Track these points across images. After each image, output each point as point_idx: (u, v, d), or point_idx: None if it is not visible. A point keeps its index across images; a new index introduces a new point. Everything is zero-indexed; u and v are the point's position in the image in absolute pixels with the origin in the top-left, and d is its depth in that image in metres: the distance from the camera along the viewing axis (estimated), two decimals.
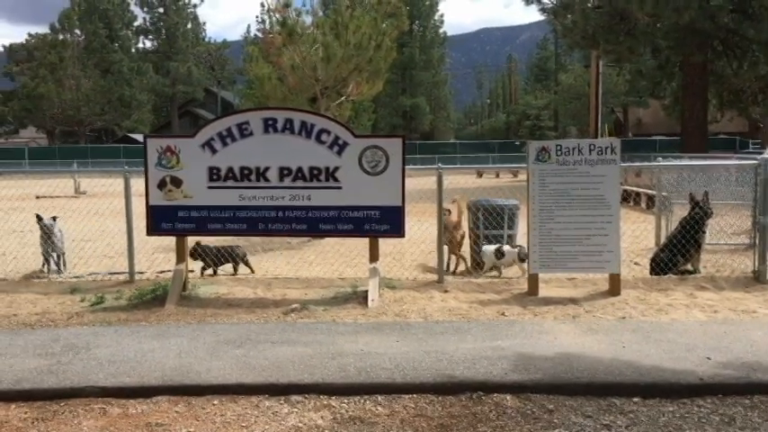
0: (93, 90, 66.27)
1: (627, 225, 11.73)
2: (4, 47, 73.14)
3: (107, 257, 9.95)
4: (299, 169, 6.97)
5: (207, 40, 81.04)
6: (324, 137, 6.95)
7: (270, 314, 6.51)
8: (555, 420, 4.11)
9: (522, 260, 8.01)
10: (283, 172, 6.98)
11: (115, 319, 6.44)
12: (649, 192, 15.96)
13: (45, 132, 72.41)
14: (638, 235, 10.75)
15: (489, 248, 8.36)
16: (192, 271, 8.31)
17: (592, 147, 6.85)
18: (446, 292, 7.17)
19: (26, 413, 4.30)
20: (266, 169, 6.99)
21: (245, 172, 7.00)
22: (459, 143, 65.21)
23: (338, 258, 9.54)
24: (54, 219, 9.10)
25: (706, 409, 4.23)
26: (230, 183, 7.02)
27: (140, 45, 78.04)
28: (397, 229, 7.02)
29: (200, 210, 7.05)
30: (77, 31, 70.90)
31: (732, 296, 6.80)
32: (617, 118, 59.65)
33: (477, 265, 8.71)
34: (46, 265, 9.08)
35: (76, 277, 8.36)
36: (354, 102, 42.67)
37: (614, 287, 6.89)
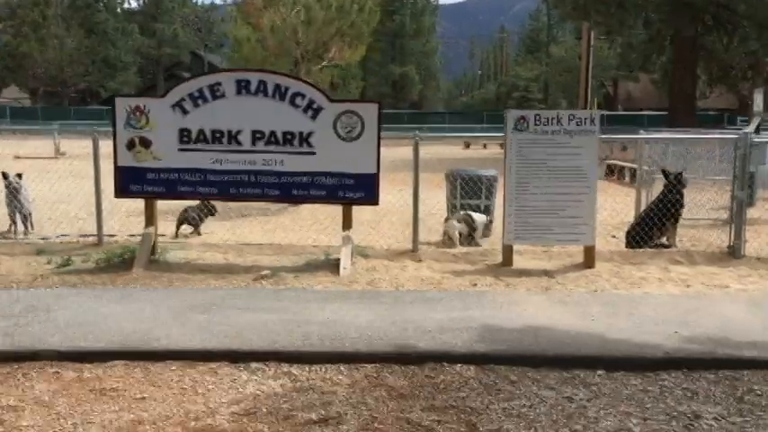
0: (76, 50, 65.09)
1: (608, 199, 11.70)
2: None
3: (79, 219, 9.75)
4: (272, 133, 6.81)
5: (194, 2, 79.67)
6: (298, 100, 6.78)
7: (239, 280, 6.41)
8: (516, 392, 4.06)
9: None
10: (256, 135, 6.82)
11: (80, 282, 6.31)
12: (634, 166, 15.92)
13: (28, 92, 71.22)
14: (619, 209, 10.70)
15: (453, 220, 8.26)
16: (163, 235, 8.19)
17: (571, 117, 6.74)
18: (420, 261, 7.09)
19: None
20: (238, 132, 6.82)
21: (217, 135, 6.84)
22: (449, 113, 64.83)
23: (314, 225, 9.43)
24: (19, 176, 8.91)
25: (670, 383, 4.20)
26: (201, 145, 6.85)
27: (126, 5, 76.63)
28: (371, 197, 6.91)
29: (169, 172, 6.89)
30: None
31: (706, 271, 6.76)
32: (607, 92, 59.43)
33: (445, 240, 8.62)
34: (12, 226, 8.91)
35: (44, 239, 8.21)
36: (342, 69, 42.27)
37: (588, 260, 6.83)
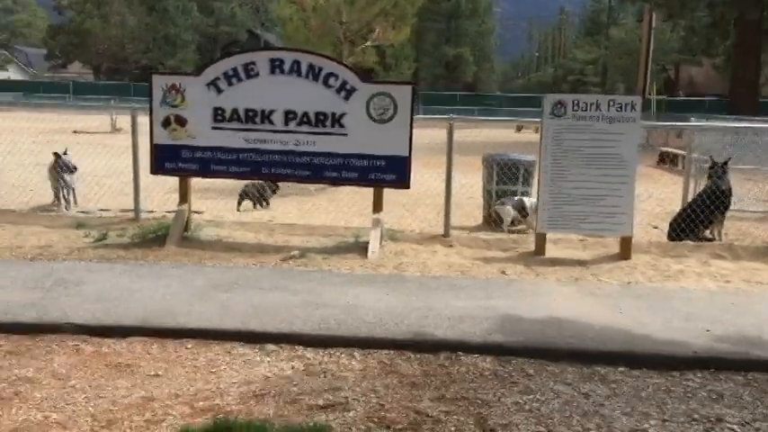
0: (138, 27, 66.40)
1: (657, 187, 11.35)
2: None
3: (123, 195, 9.95)
4: (305, 114, 6.77)
5: None
6: (331, 81, 6.72)
7: (268, 260, 6.43)
8: (532, 385, 3.95)
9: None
10: (288, 116, 6.79)
11: (114, 256, 6.43)
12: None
13: (91, 68, 73.11)
14: (665, 198, 10.36)
15: (507, 205, 8.12)
16: (201, 212, 8.28)
17: (611, 103, 6.50)
18: (450, 246, 6.99)
19: (1, 346, 4.31)
20: (271, 112, 6.81)
21: (250, 114, 6.84)
22: (503, 96, 63.88)
23: (351, 207, 9.40)
24: (65, 153, 9.14)
25: (695, 384, 4.03)
26: (235, 124, 6.86)
27: None
28: (402, 180, 6.82)
29: (203, 150, 6.94)
30: None
31: (749, 266, 6.47)
32: (668, 76, 57.56)
33: (494, 221, 8.49)
34: (56, 200, 9.16)
35: (85, 213, 8.40)
36: (395, 49, 41.85)
37: (625, 251, 6.61)
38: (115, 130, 27.68)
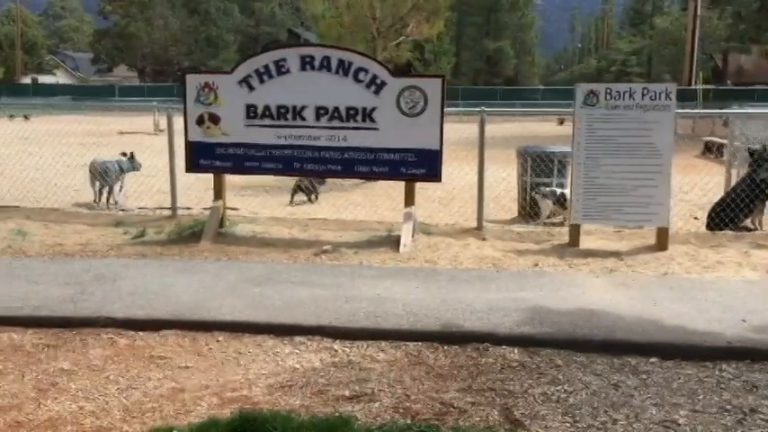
0: (180, 30, 67.58)
1: (700, 177, 11.06)
2: None
3: (162, 193, 10.16)
4: (336, 109, 6.81)
5: None
6: (361, 75, 6.74)
7: (300, 254, 6.48)
8: (560, 377, 3.91)
9: None
10: (320, 111, 6.84)
11: (150, 253, 6.57)
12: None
13: (136, 71, 74.67)
14: (710, 188, 10.09)
15: (548, 198, 8.03)
16: (236, 209, 8.40)
17: (645, 91, 6.37)
18: (483, 239, 6.95)
19: (40, 339, 4.45)
20: (303, 108, 6.86)
21: (282, 110, 6.90)
22: (544, 89, 63.04)
23: (384, 202, 9.41)
24: (131, 156, 9.48)
25: (728, 374, 3.94)
26: (267, 121, 6.94)
27: None
28: (433, 173, 6.81)
29: (236, 147, 7.03)
30: None
31: None
32: (715, 65, 56.11)
33: (528, 214, 8.41)
34: (98, 198, 9.46)
35: (124, 210, 8.60)
36: (434, 44, 41.80)
37: (661, 241, 6.48)
38: (158, 130, 28.21)
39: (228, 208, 7.71)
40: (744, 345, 4.18)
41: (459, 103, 45.42)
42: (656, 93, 6.34)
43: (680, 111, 7.10)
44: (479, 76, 66.06)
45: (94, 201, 9.55)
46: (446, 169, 9.13)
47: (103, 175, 9.40)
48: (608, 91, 6.43)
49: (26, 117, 34.13)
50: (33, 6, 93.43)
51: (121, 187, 9.64)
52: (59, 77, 75.00)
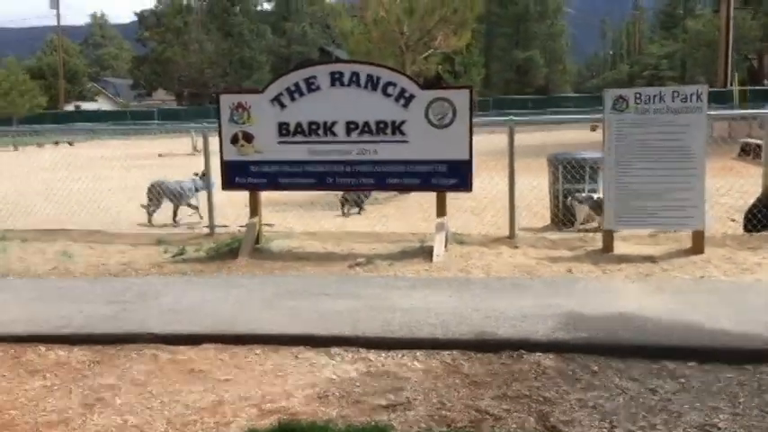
0: (215, 52, 68.86)
1: (737, 179, 10.90)
2: (136, 14, 77.11)
3: (202, 211, 10.37)
4: (366, 123, 6.91)
5: None
6: (390, 89, 6.84)
7: (335, 267, 6.57)
8: (596, 382, 3.90)
9: None
10: (350, 126, 6.95)
11: (190, 270, 6.72)
12: None
13: (174, 95, 76.22)
14: (747, 190, 9.92)
15: (585, 203, 7.98)
16: (272, 225, 8.54)
17: (675, 94, 6.34)
18: (516, 248, 6.95)
19: (85, 356, 4.59)
20: (333, 123, 6.98)
21: (313, 127, 7.03)
22: (575, 96, 62.58)
23: (417, 213, 9.47)
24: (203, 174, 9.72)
25: None
26: (299, 137, 7.07)
27: (259, 7, 79.95)
28: (464, 184, 6.85)
29: (270, 164, 7.17)
30: None
31: None
32: (751, 65, 55.06)
33: (561, 221, 8.37)
34: (174, 217, 9.94)
35: (164, 225, 8.81)
36: (464, 56, 41.75)
37: (697, 245, 6.41)
38: (196, 151, 28.77)
39: (264, 224, 7.84)
40: None
41: (491, 114, 45.44)
42: (687, 95, 6.30)
43: (712, 112, 6.99)
44: (510, 86, 65.87)
45: (149, 221, 9.77)
46: (478, 179, 9.19)
47: (178, 195, 9.68)
48: (637, 95, 6.41)
49: (70, 143, 35.15)
50: (74, 36, 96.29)
51: (197, 206, 9.90)
52: (101, 104, 76.99)
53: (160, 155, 25.82)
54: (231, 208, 9.53)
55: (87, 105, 71.87)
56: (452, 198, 7.63)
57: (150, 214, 9.85)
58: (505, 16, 68.05)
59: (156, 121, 57.23)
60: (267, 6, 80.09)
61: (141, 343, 4.73)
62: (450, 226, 7.76)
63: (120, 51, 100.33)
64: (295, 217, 9.65)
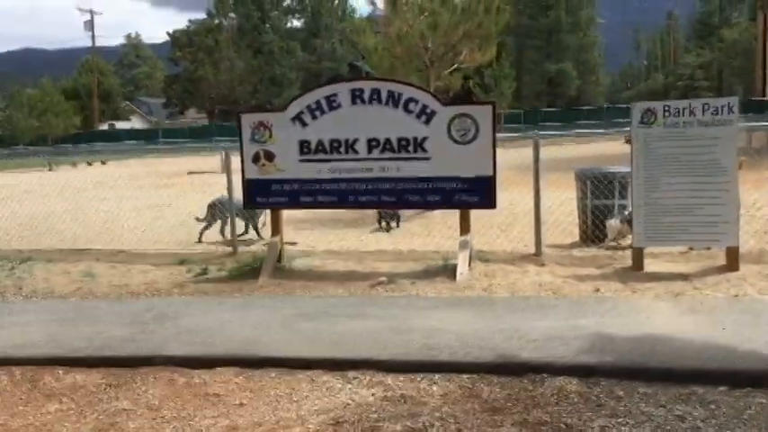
0: (245, 70, 69.69)
1: None
2: (169, 34, 78.52)
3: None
4: (387, 140, 6.84)
5: (351, 15, 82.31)
6: (411, 106, 6.76)
7: (357, 287, 6.48)
8: (620, 408, 3.74)
9: None
10: (372, 143, 6.88)
11: (212, 290, 6.69)
12: None
13: (205, 113, 77.25)
14: None
15: (615, 218, 7.79)
16: (295, 243, 8.49)
17: (705, 106, 6.15)
18: (542, 265, 6.80)
19: (102, 379, 4.56)
20: (355, 141, 6.92)
21: (335, 144, 6.98)
22: (608, 107, 61.84)
23: (443, 230, 9.33)
24: None
25: None
26: (320, 155, 7.02)
27: (288, 25, 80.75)
28: (487, 201, 6.72)
29: (292, 183, 7.13)
30: (232, 15, 74.86)
31: None
32: None
33: (589, 238, 8.18)
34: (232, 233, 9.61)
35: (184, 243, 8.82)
36: (495, 69, 41.57)
37: (732, 262, 6.19)
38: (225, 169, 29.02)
39: (287, 243, 7.80)
40: None
41: (521, 127, 45.18)
42: (717, 107, 6.10)
43: (744, 124, 6.78)
44: (542, 99, 65.47)
45: (199, 239, 9.58)
46: (507, 194, 9.07)
47: (249, 214, 9.39)
48: (666, 108, 6.24)
49: (103, 162, 35.77)
50: (109, 56, 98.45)
51: (264, 223, 9.86)
52: (134, 123, 78.44)
53: (190, 173, 26.06)
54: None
55: (121, 124, 73.27)
56: (480, 214, 7.49)
57: (203, 231, 9.73)
58: (536, 28, 67.78)
59: (188, 139, 58.04)
60: (297, 23, 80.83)
61: (158, 366, 4.69)
62: (475, 243, 7.62)
63: (153, 71, 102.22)
64: (319, 234, 9.60)
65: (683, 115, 6.19)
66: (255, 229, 9.50)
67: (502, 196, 8.98)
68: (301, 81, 76.01)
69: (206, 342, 4.98)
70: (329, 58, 75.32)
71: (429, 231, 9.64)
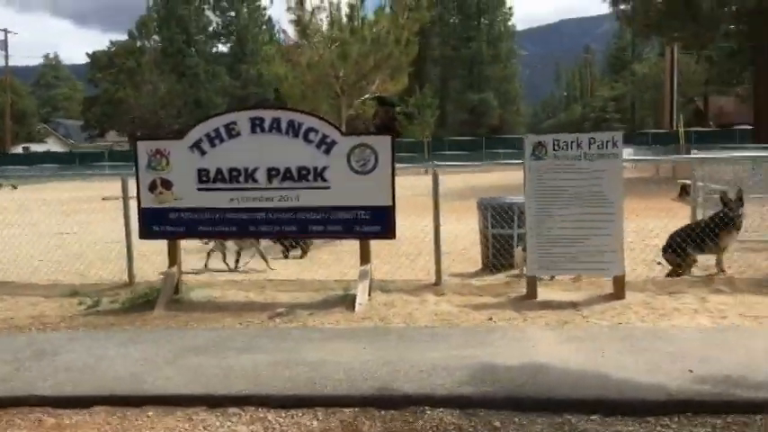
0: (169, 94, 68.48)
1: (673, 221, 11.04)
2: (88, 55, 76.41)
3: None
4: (288, 169, 6.80)
5: (277, 41, 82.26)
6: (311, 136, 6.75)
7: (254, 318, 6.36)
8: None
9: None
10: (271, 172, 6.82)
11: (102, 323, 6.43)
12: (714, 186, 15.08)
13: (126, 135, 75.30)
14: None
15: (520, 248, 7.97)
16: (198, 272, 8.30)
17: (591, 141, 6.38)
18: (442, 295, 6.85)
19: None
20: (255, 170, 6.85)
21: (234, 173, 6.88)
22: (518, 138, 63.56)
23: (351, 259, 9.30)
24: None
25: (669, 430, 3.80)
26: (219, 184, 6.91)
27: (214, 49, 79.99)
28: (387, 231, 6.75)
29: (190, 212, 6.98)
30: (156, 37, 73.63)
31: (748, 300, 6.18)
32: (696, 107, 56.94)
33: (492, 265, 8.33)
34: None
35: (82, 275, 8.48)
36: (418, 98, 42.24)
37: (618, 290, 6.40)
38: None
39: (189, 272, 7.61)
40: (687, 397, 4.06)
41: (447, 154, 45.95)
42: (603, 141, 6.34)
43: (627, 158, 7.07)
44: (465, 127, 66.87)
45: (206, 265, 9.39)
46: (416, 223, 9.13)
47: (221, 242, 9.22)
48: (555, 142, 6.44)
49: (14, 187, 34.21)
50: (26, 76, 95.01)
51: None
52: (51, 145, 75.59)
53: (104, 198, 25.24)
54: (160, 255, 9.25)
55: (36, 147, 70.51)
56: (388, 243, 7.49)
57: (208, 257, 9.44)
58: (459, 59, 69.42)
59: (106, 163, 56.32)
60: (223, 48, 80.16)
61: (30, 406, 4.45)
62: (379, 272, 7.64)
63: (72, 92, 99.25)
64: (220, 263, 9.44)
65: (572, 149, 6.40)
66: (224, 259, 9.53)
67: (415, 224, 9.08)
68: (227, 105, 75.15)
69: (83, 380, 4.76)
70: (255, 83, 74.85)
71: (337, 259, 9.61)
